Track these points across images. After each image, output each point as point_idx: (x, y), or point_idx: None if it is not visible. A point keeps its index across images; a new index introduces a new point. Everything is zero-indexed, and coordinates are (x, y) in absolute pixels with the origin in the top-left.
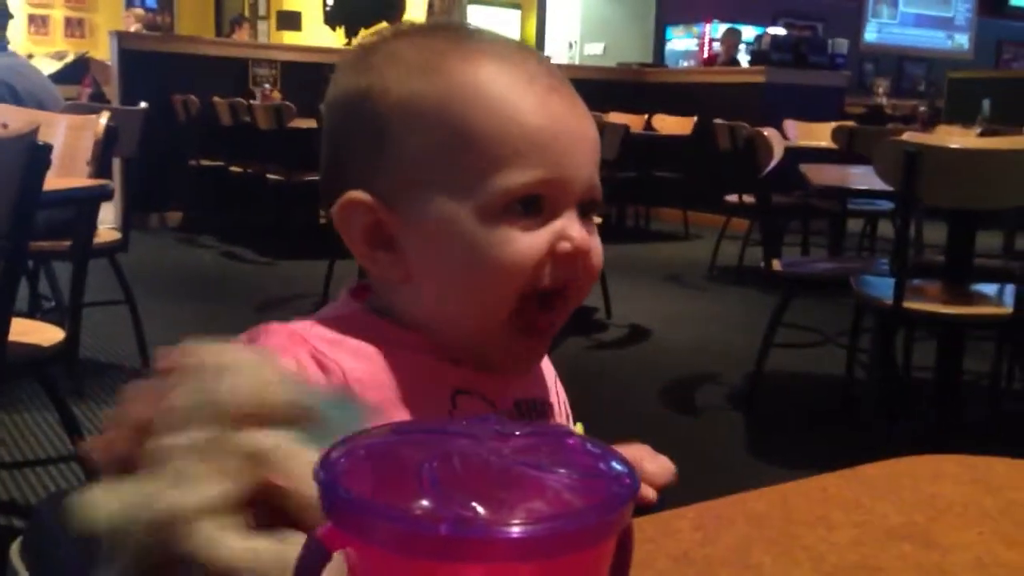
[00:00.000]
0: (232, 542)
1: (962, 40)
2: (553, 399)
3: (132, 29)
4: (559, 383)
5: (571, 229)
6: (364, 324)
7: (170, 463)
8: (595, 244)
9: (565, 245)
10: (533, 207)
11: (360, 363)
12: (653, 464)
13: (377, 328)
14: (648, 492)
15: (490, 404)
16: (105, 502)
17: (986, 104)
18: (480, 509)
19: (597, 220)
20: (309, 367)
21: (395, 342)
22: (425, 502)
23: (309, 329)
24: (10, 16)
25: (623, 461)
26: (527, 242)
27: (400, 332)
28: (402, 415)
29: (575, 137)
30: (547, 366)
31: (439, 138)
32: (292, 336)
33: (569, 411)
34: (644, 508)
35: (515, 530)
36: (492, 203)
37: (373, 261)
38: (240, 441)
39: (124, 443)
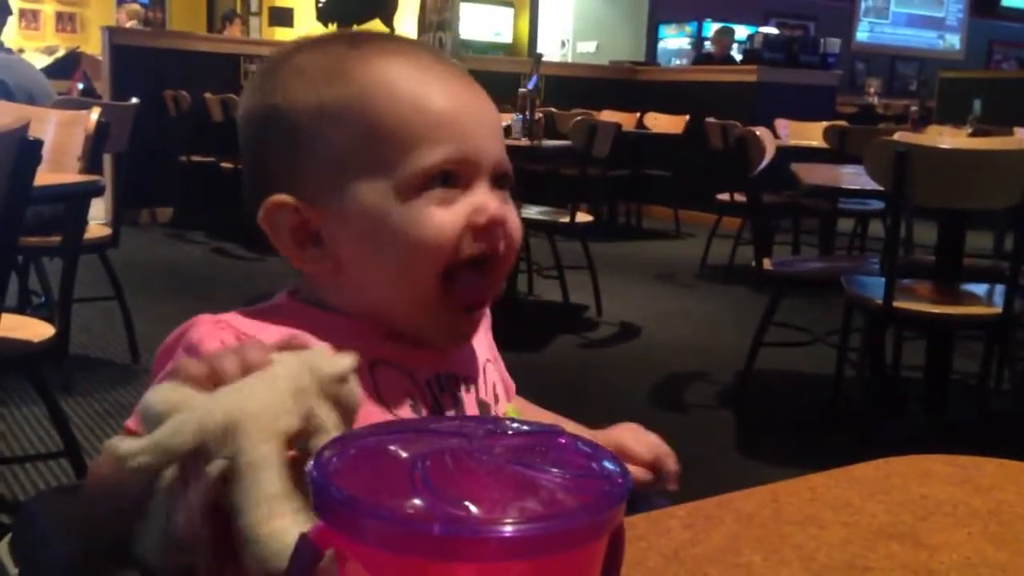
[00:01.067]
0: (274, 474)
1: (953, 40)
2: (478, 378)
3: (128, 25)
4: (500, 365)
5: (486, 202)
6: (289, 311)
7: (258, 378)
8: (510, 214)
9: (480, 217)
10: (448, 182)
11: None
12: (638, 445)
13: (302, 313)
14: (636, 471)
15: (408, 375)
16: (172, 395)
17: (977, 104)
18: (472, 508)
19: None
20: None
21: (316, 323)
22: (417, 501)
23: (233, 318)
24: (9, 12)
25: (614, 460)
26: (445, 217)
27: (323, 315)
28: None
29: (477, 115)
30: (482, 346)
31: (351, 134)
32: (217, 323)
33: (500, 394)
34: (640, 490)
35: (507, 529)
36: (408, 184)
37: (302, 258)
38: (319, 401)
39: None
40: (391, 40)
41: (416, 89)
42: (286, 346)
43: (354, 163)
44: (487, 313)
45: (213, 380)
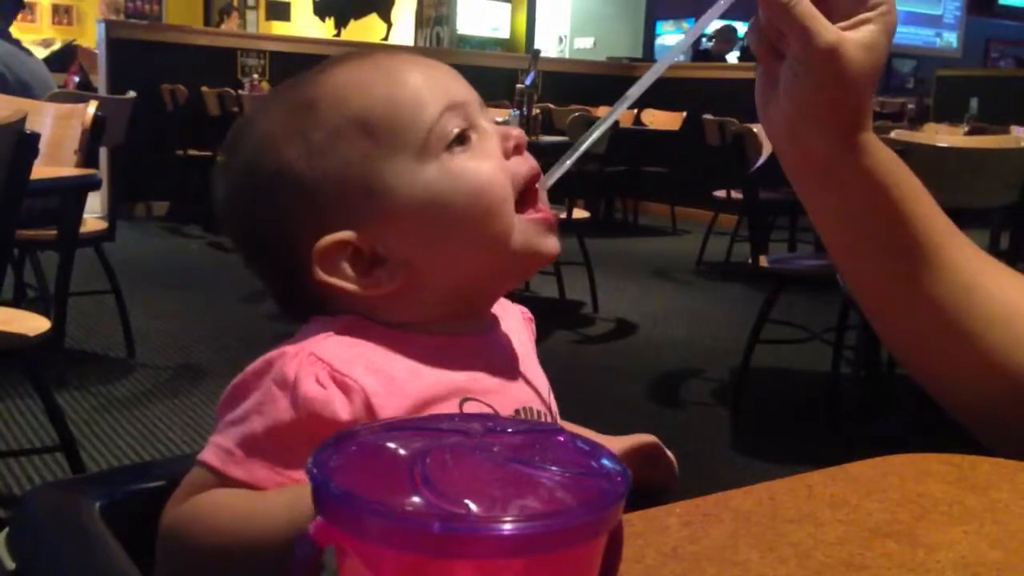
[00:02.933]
0: None
1: (951, 38)
2: (551, 407)
3: (112, 17)
4: (551, 394)
5: (503, 128)
6: (370, 334)
7: None
8: None
9: (508, 141)
10: (462, 140)
11: (375, 378)
12: (667, 456)
13: (384, 335)
14: (671, 486)
15: (492, 410)
16: None
17: (974, 102)
18: (472, 506)
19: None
20: (330, 388)
21: (402, 345)
22: (417, 498)
23: (323, 349)
24: (21, 7)
25: (614, 459)
26: (480, 159)
27: (406, 335)
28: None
29: (445, 73)
30: (542, 374)
31: (351, 145)
32: (309, 359)
33: (559, 420)
34: (665, 490)
35: (507, 527)
36: (430, 149)
37: (372, 285)
38: None
39: None
40: (334, 58)
41: (382, 76)
42: None
43: (369, 167)
44: (534, 330)
45: None
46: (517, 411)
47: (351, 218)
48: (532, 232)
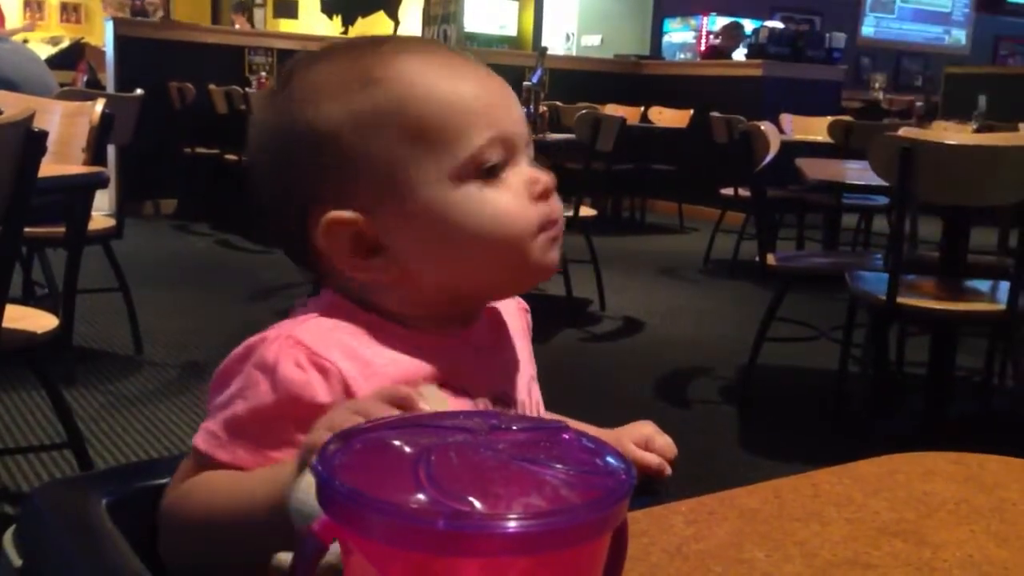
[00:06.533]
0: None
1: (959, 35)
2: (528, 397)
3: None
4: (534, 383)
5: (535, 172)
6: (350, 319)
7: None
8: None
9: (537, 186)
10: (495, 171)
11: (352, 363)
12: (662, 439)
13: (363, 322)
14: (664, 467)
15: (467, 396)
16: None
17: (982, 100)
18: (477, 504)
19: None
20: (309, 371)
21: (379, 334)
22: (422, 496)
23: (302, 331)
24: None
25: (618, 456)
26: (507, 197)
27: (386, 324)
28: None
29: (505, 96)
30: (526, 361)
31: (393, 138)
32: (288, 342)
33: (543, 412)
34: (657, 481)
35: (512, 525)
36: (461, 173)
37: (368, 269)
38: None
39: None
40: (400, 40)
41: (447, 81)
42: (394, 402)
43: (403, 165)
44: (529, 321)
45: None
46: (493, 396)
47: (367, 200)
48: (540, 251)
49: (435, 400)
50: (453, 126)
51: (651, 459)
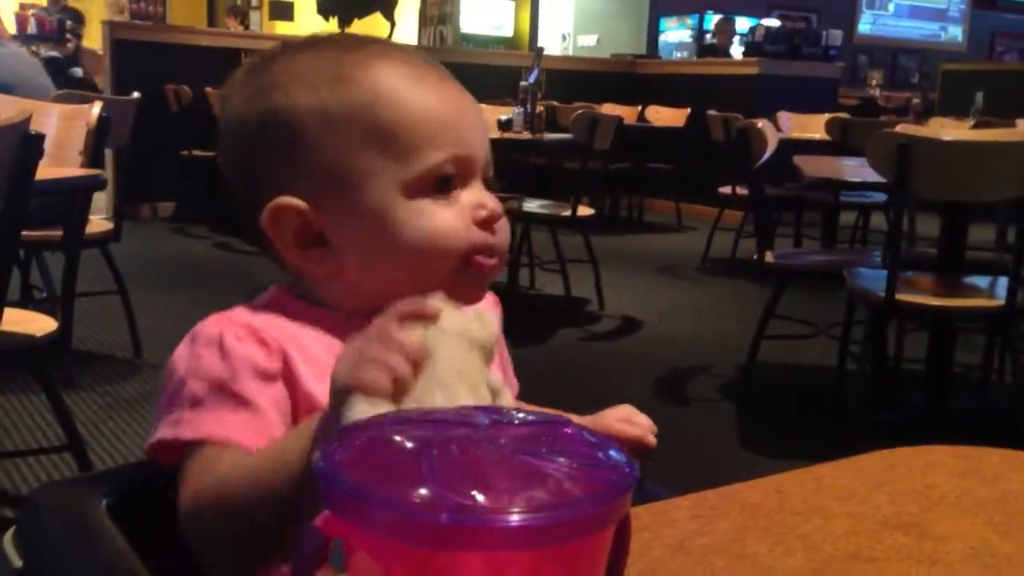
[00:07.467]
0: None
1: (956, 32)
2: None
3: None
4: (508, 366)
5: (483, 197)
6: (292, 309)
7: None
8: (501, 207)
9: (483, 212)
10: (446, 187)
11: (288, 342)
12: (642, 416)
13: (304, 311)
14: (647, 436)
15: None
16: (373, 411)
17: (979, 96)
18: (479, 498)
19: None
20: (248, 341)
21: (319, 321)
22: (424, 490)
23: (238, 315)
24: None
25: (620, 450)
26: (450, 215)
27: (325, 312)
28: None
29: (471, 118)
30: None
31: (355, 138)
32: (227, 321)
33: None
34: (642, 454)
35: (514, 519)
36: (414, 185)
37: (306, 258)
38: (484, 367)
39: None
40: (382, 44)
41: (418, 94)
42: (416, 315)
43: (360, 166)
44: (499, 314)
45: (399, 388)
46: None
47: (317, 192)
48: (461, 280)
49: (437, 299)
50: (413, 139)
51: (634, 430)
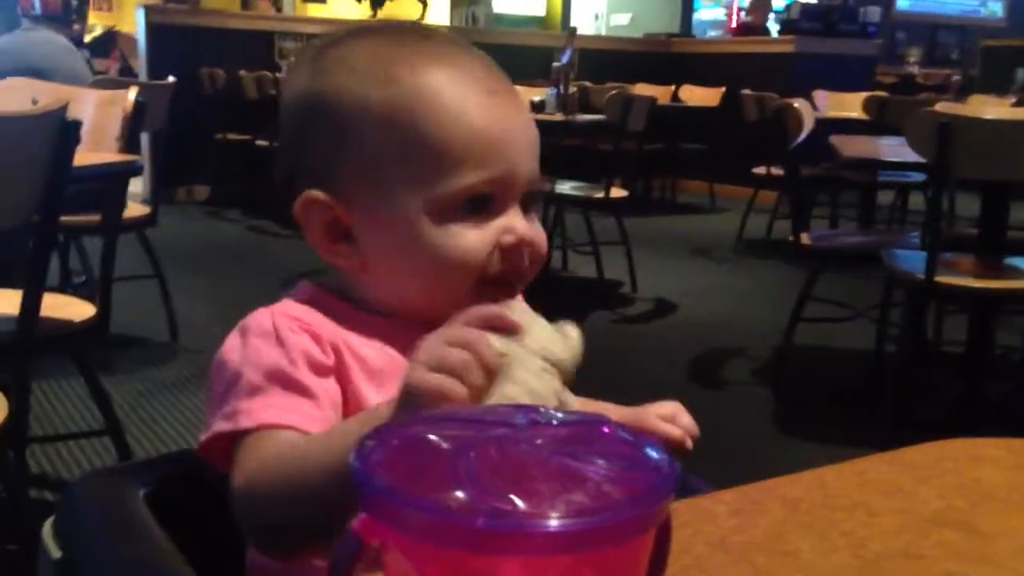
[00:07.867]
0: None
1: (996, 8)
2: None
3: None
4: None
5: (515, 223)
6: (324, 306)
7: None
8: (537, 231)
9: (509, 238)
10: (481, 205)
11: (336, 339)
12: (687, 418)
13: (335, 310)
14: (686, 440)
15: None
16: None
17: (1020, 73)
18: (517, 501)
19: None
20: (303, 336)
21: (351, 322)
22: (461, 493)
23: (287, 308)
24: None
25: (659, 448)
26: (475, 237)
27: (356, 313)
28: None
29: (517, 135)
30: None
31: (392, 141)
32: (278, 314)
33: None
34: (678, 455)
35: (553, 523)
36: (443, 201)
37: (334, 252)
38: (559, 386)
39: None
40: (444, 44)
41: (462, 105)
42: (497, 325)
43: (392, 170)
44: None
45: (475, 399)
46: None
47: (348, 189)
48: (483, 302)
49: (521, 312)
50: (452, 154)
51: (674, 431)
